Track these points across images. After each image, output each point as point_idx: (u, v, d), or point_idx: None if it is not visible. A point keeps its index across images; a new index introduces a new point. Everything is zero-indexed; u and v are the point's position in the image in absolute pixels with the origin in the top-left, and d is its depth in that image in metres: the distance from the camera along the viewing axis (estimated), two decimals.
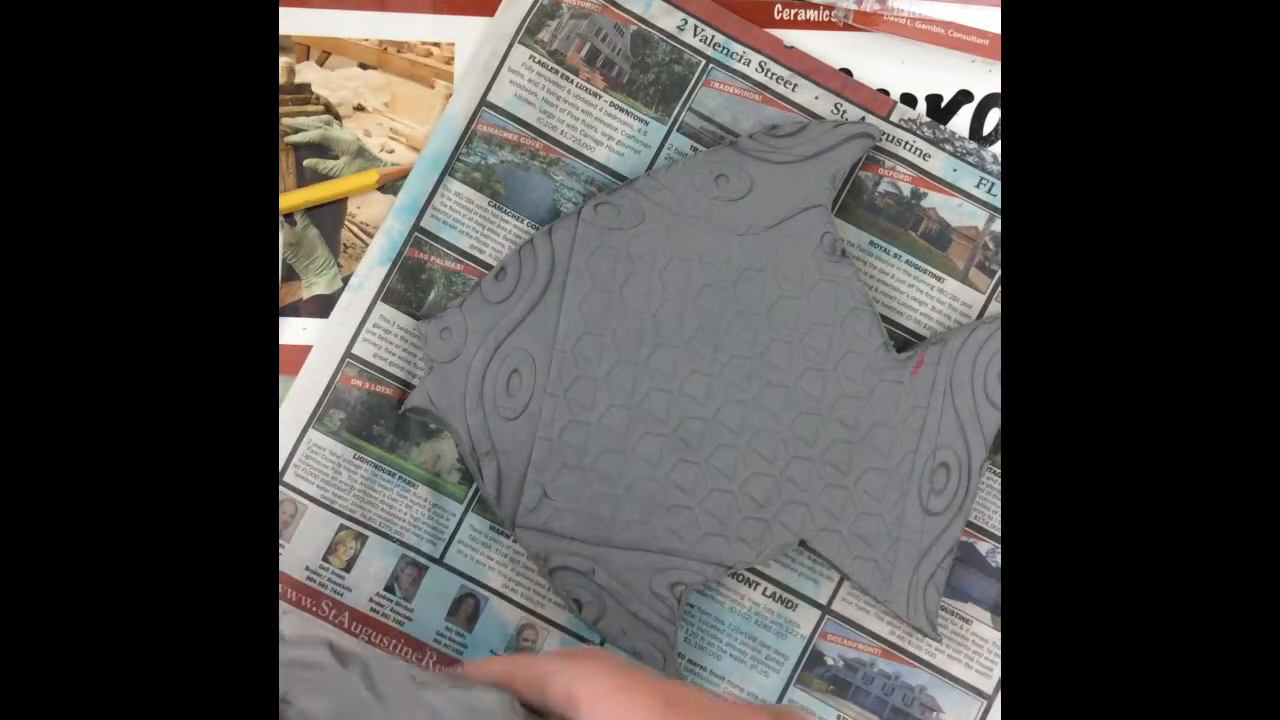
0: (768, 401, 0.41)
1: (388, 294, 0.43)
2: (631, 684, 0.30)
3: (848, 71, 0.44)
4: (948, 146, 0.43)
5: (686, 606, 0.42)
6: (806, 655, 0.43)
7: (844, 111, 0.43)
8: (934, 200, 0.43)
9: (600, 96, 0.43)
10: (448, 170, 0.43)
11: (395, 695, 0.30)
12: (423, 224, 0.43)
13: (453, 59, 0.44)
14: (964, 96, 0.44)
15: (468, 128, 0.43)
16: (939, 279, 0.43)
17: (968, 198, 0.43)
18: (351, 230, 0.43)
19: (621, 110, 0.43)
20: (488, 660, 0.34)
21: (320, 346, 0.42)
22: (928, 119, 0.44)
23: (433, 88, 0.44)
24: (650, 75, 0.43)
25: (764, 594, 0.43)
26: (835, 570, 0.42)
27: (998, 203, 0.43)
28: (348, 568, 0.42)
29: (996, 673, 0.43)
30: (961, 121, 0.44)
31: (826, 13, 0.44)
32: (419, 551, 0.42)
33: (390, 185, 0.43)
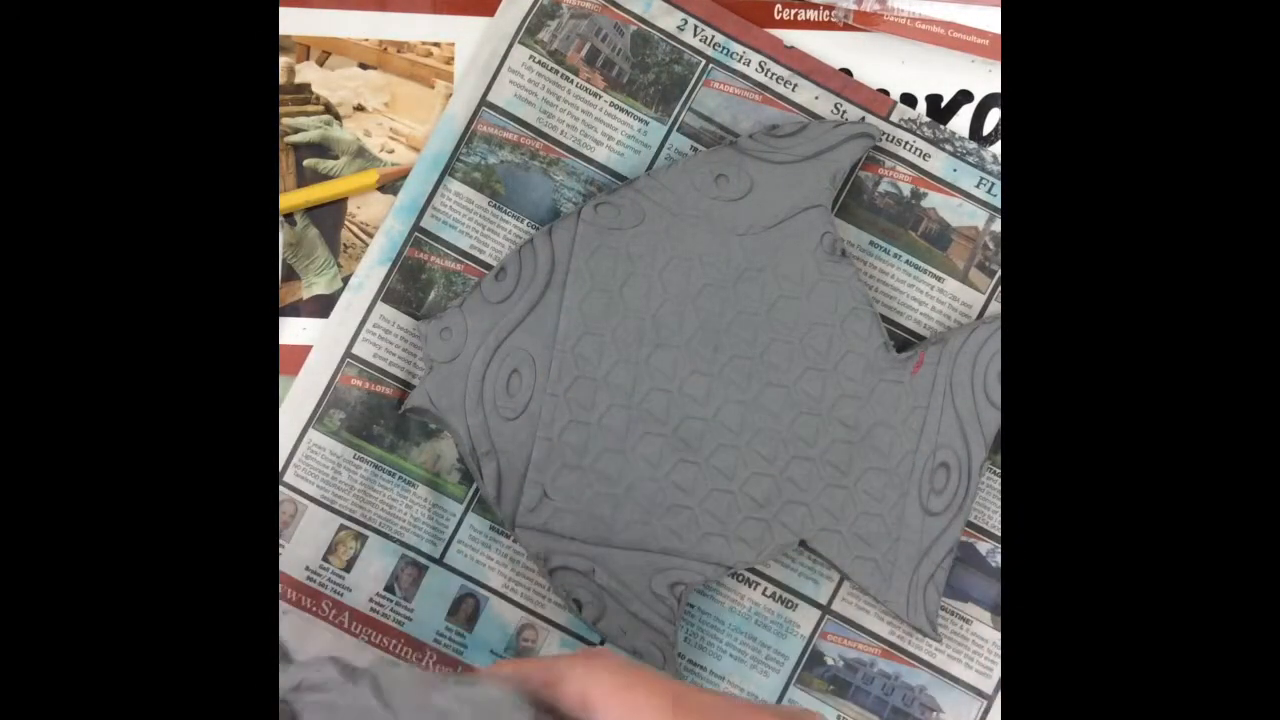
0: (768, 401, 0.41)
1: (388, 294, 0.43)
2: (638, 683, 0.30)
3: (848, 71, 0.44)
4: (948, 146, 0.43)
5: (686, 606, 0.42)
6: (806, 655, 0.43)
7: (844, 111, 0.43)
8: (934, 200, 0.43)
9: (600, 96, 0.43)
10: (448, 170, 0.43)
11: (404, 702, 0.30)
12: (423, 224, 0.43)
13: (453, 59, 0.44)
14: (964, 96, 0.44)
15: (468, 128, 0.43)
16: (939, 279, 0.43)
17: (968, 198, 0.43)
18: (351, 230, 0.43)
19: (621, 110, 0.43)
20: (499, 664, 0.34)
21: (320, 346, 0.42)
22: (928, 119, 0.44)
23: (433, 88, 0.44)
24: (650, 75, 0.43)
25: (764, 594, 0.43)
26: (835, 570, 0.42)
27: (998, 203, 0.43)
28: (348, 568, 0.42)
29: (996, 673, 0.43)
30: (961, 121, 0.44)
31: (826, 13, 0.44)
32: (419, 551, 0.42)
33: (390, 185, 0.43)
